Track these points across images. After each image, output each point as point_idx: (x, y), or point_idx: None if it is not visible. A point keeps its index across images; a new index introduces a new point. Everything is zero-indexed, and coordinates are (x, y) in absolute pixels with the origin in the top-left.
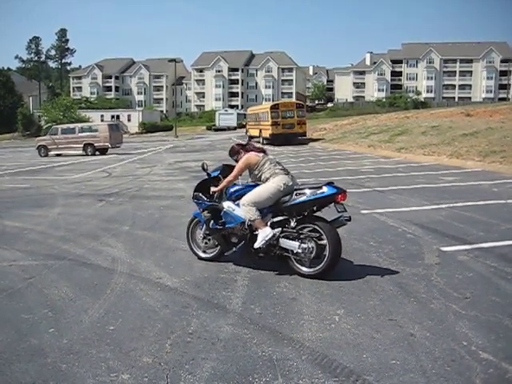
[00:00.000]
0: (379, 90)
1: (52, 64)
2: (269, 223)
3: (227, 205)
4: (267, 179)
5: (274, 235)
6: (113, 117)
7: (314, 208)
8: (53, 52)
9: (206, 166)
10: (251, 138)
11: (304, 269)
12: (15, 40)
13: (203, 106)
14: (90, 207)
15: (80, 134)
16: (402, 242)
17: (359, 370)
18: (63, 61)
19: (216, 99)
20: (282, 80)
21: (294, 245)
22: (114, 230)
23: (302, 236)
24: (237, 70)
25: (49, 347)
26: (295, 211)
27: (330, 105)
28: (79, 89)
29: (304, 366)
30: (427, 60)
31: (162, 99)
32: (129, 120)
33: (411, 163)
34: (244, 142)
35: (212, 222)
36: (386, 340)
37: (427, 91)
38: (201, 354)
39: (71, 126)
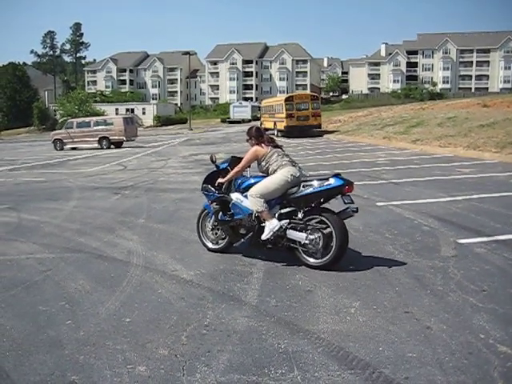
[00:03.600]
0: (394, 81)
1: (67, 58)
2: (276, 215)
3: (235, 196)
4: (274, 171)
5: (281, 227)
6: (127, 110)
7: (321, 200)
8: (68, 46)
9: (214, 158)
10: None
11: (311, 260)
12: (30, 35)
13: (217, 98)
14: (105, 200)
15: (95, 128)
16: (418, 234)
17: (375, 362)
18: (78, 55)
19: (230, 92)
20: (297, 72)
21: (301, 236)
22: (129, 222)
23: (309, 227)
24: (251, 62)
25: (66, 339)
26: (302, 203)
27: (344, 97)
28: (94, 82)
29: (320, 358)
30: (443, 50)
31: (176, 92)
32: (143, 113)
33: (427, 155)
34: (264, 133)
35: (221, 213)
36: (402, 333)
37: (443, 82)
38: (217, 346)
39: (86, 119)
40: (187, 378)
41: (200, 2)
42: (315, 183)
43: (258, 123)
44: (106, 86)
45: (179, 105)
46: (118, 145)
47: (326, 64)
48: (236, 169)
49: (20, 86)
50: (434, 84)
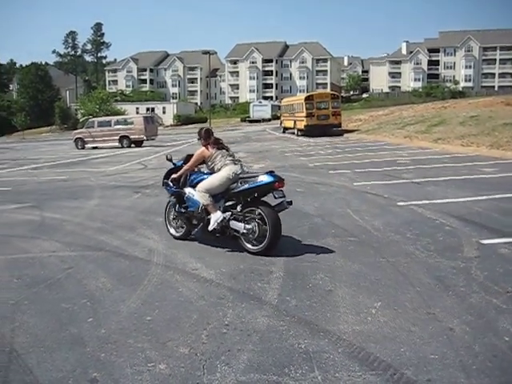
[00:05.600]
0: (415, 79)
1: (88, 58)
2: (221, 208)
3: (188, 191)
4: (219, 170)
5: (224, 218)
6: (148, 109)
7: (256, 194)
8: (89, 46)
9: (170, 157)
10: (285, 129)
11: (250, 246)
12: (53, 35)
13: (237, 97)
14: (126, 199)
15: (116, 127)
16: (439, 235)
17: (397, 363)
18: (99, 54)
19: (250, 91)
20: (317, 71)
21: (240, 226)
22: (150, 221)
23: (246, 218)
24: (271, 61)
25: (88, 336)
26: (241, 197)
27: (365, 95)
28: (115, 82)
29: (340, 358)
30: (465, 48)
31: (196, 91)
32: (164, 112)
33: (449, 154)
34: (212, 135)
35: (177, 205)
36: (424, 334)
37: (465, 80)
38: (237, 346)
39: (107, 118)
40: (207, 377)
41: (220, 1)
42: (251, 180)
43: (278, 122)
44: (127, 86)
45: (199, 104)
46: (139, 144)
47: (346, 63)
48: (186, 167)
49: (42, 86)
50: (456, 82)
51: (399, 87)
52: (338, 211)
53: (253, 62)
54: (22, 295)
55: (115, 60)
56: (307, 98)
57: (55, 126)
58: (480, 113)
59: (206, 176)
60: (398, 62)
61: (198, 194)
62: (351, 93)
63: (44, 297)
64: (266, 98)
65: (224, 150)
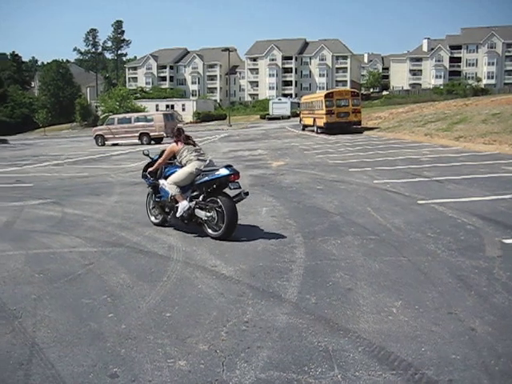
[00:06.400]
0: (437, 76)
1: (108, 55)
2: (188, 198)
3: (162, 182)
4: (185, 164)
5: (190, 207)
6: (167, 106)
7: (215, 185)
8: (109, 43)
9: (147, 152)
10: (305, 127)
11: (211, 231)
12: (73, 33)
13: (257, 95)
14: (145, 195)
15: (136, 124)
16: (461, 234)
17: (418, 363)
18: (119, 52)
19: (270, 88)
20: (337, 68)
21: (202, 214)
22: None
23: (207, 207)
24: (290, 58)
25: (108, 332)
26: (204, 187)
27: (385, 93)
28: (135, 79)
29: (360, 357)
30: (488, 45)
31: (215, 88)
32: (183, 109)
33: (470, 152)
34: (182, 133)
35: (154, 195)
36: (445, 334)
37: (488, 77)
38: (256, 343)
39: (127, 115)
40: (227, 374)
41: None
42: (211, 173)
43: (297, 120)
44: (147, 83)
45: (218, 101)
46: (158, 140)
47: (366, 60)
48: (160, 160)
49: (63, 83)
50: (479, 79)
51: (420, 84)
52: (358, 209)
53: (272, 59)
54: (43, 290)
55: (135, 57)
56: (327, 96)
57: (76, 122)
58: (503, 110)
59: (177, 169)
60: (419, 59)
61: (167, 186)
62: (371, 90)
63: (65, 292)
64: (285, 95)
65: (191, 146)
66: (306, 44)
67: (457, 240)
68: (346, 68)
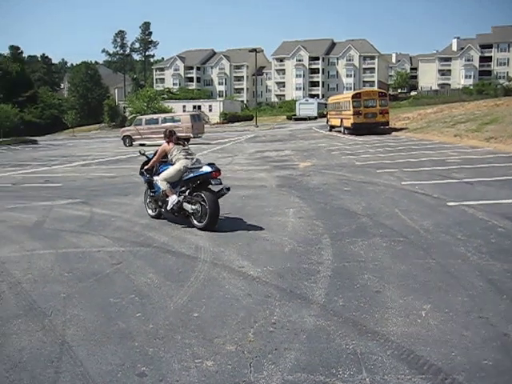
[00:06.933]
0: (466, 76)
1: (136, 56)
2: (177, 192)
3: (155, 178)
4: (174, 162)
5: (178, 201)
6: (194, 107)
7: (199, 181)
8: (137, 45)
9: (143, 152)
10: (332, 127)
11: (196, 222)
12: (102, 35)
13: (283, 95)
14: None
15: (163, 125)
16: (492, 236)
17: (448, 368)
18: (147, 53)
19: (296, 89)
20: (364, 68)
21: (189, 207)
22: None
23: (193, 201)
24: (317, 58)
25: (136, 331)
26: (190, 183)
27: (413, 93)
28: (162, 80)
29: (389, 361)
30: None
31: (242, 89)
32: (210, 110)
33: (501, 153)
34: (173, 134)
35: (149, 190)
36: (476, 338)
37: None
38: (284, 344)
39: (154, 116)
40: (254, 375)
41: None
42: (195, 170)
43: (324, 120)
44: (174, 84)
45: (245, 102)
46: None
47: (394, 60)
48: (154, 158)
49: (92, 85)
50: (510, 79)
51: (449, 85)
52: (386, 211)
53: (299, 60)
54: (72, 289)
55: (163, 58)
56: (354, 96)
57: (104, 123)
58: None
59: (168, 167)
60: (448, 59)
61: (159, 182)
62: (399, 91)
63: (93, 291)
64: (312, 95)
65: (180, 146)
66: (333, 44)
67: (487, 243)
68: (374, 68)
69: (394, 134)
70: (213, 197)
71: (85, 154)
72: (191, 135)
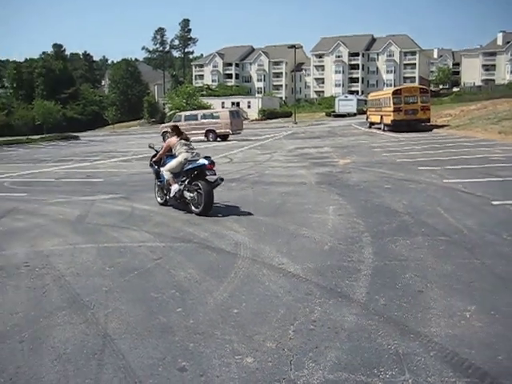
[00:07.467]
0: None
1: (175, 53)
2: (179, 182)
3: (162, 169)
4: (177, 155)
5: (179, 189)
6: (233, 104)
7: (196, 172)
8: (176, 42)
9: (152, 145)
10: (372, 124)
11: (194, 209)
12: (142, 32)
13: (322, 92)
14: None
15: (202, 121)
16: None
17: (494, 372)
18: (186, 50)
19: (335, 85)
20: (405, 64)
21: (188, 194)
22: (236, 214)
23: (191, 189)
24: (357, 54)
25: (176, 326)
26: (189, 174)
27: (455, 89)
28: (201, 77)
29: (432, 362)
30: None
31: (281, 86)
32: (249, 107)
33: None
34: (178, 130)
35: (157, 180)
36: None
37: None
38: (324, 343)
39: (194, 112)
40: (295, 373)
41: None
42: (193, 162)
43: (363, 117)
44: (213, 80)
45: (284, 98)
46: (224, 138)
47: (436, 55)
48: (161, 152)
49: (132, 81)
50: None
51: (493, 80)
52: (428, 209)
53: (338, 56)
54: (114, 283)
55: (202, 55)
56: (395, 92)
57: (144, 119)
58: None
59: (173, 159)
60: (493, 54)
61: (164, 172)
62: (441, 87)
63: (135, 285)
64: (351, 92)
65: (183, 141)
66: (374, 40)
67: None
68: (415, 64)
69: (435, 130)
70: (208, 186)
71: (125, 149)
72: (230, 131)
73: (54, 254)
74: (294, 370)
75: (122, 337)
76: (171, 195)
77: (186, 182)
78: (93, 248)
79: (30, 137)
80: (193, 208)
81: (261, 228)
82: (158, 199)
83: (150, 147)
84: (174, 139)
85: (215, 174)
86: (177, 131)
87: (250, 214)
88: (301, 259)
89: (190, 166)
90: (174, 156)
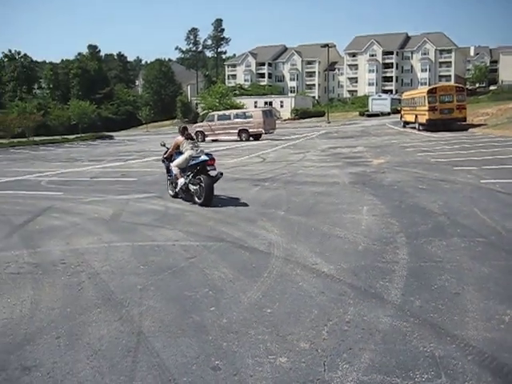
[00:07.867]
0: None
1: (208, 53)
2: (185, 176)
3: (171, 164)
4: (183, 152)
5: (185, 183)
6: (266, 103)
7: (198, 167)
8: (209, 42)
9: (163, 143)
10: (406, 123)
11: (197, 200)
12: (175, 32)
13: (355, 91)
14: (245, 192)
15: (235, 120)
16: None
17: None
18: (219, 50)
19: (369, 84)
20: (440, 62)
21: (192, 187)
22: (269, 214)
23: (194, 183)
24: (391, 53)
25: (210, 325)
26: (193, 169)
27: (492, 88)
28: (234, 76)
29: (470, 366)
30: None
31: (314, 85)
32: (281, 106)
33: None
34: (186, 130)
35: (167, 175)
36: None
37: None
38: (358, 344)
39: (226, 112)
40: (328, 374)
41: None
42: (196, 158)
43: (397, 116)
44: (245, 80)
45: (317, 98)
46: (257, 137)
47: (472, 53)
48: (170, 149)
49: (165, 81)
50: None
51: None
52: (464, 210)
53: (372, 55)
54: (148, 281)
55: (234, 55)
56: (430, 91)
57: (177, 119)
58: None
59: (178, 155)
60: None
61: (172, 167)
62: (477, 85)
63: (168, 284)
64: (385, 91)
65: (189, 140)
66: (408, 38)
67: None
68: (450, 62)
69: (471, 130)
70: (208, 180)
71: (158, 149)
72: (263, 131)
73: (89, 252)
74: (327, 371)
75: (156, 335)
76: (178, 188)
77: (191, 176)
78: (127, 246)
79: (65, 136)
80: (196, 199)
81: (294, 228)
82: (170, 192)
83: (161, 145)
84: (180, 138)
85: (215, 169)
86: (185, 131)
87: (283, 213)
88: (334, 259)
89: (193, 162)
90: (181, 153)
